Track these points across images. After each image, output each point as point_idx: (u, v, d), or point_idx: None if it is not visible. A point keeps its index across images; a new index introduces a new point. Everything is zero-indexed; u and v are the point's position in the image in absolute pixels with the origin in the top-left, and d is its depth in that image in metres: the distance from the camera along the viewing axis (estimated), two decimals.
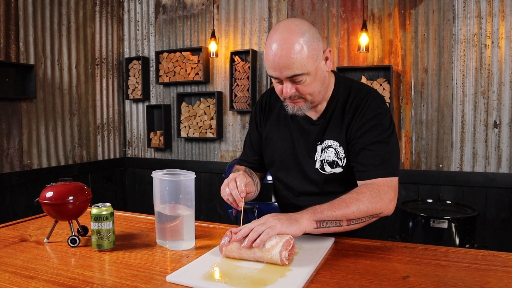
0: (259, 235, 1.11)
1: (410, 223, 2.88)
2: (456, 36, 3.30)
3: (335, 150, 1.39)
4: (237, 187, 1.28)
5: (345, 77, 1.49)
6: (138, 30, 4.60)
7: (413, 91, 3.46)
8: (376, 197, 1.25)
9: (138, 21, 4.59)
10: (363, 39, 3.35)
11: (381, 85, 3.46)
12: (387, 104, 3.40)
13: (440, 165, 3.41)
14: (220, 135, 4.19)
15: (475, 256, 1.19)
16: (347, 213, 1.20)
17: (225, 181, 1.34)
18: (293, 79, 1.27)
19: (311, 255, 1.17)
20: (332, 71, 1.45)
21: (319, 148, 1.42)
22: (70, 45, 3.96)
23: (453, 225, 2.70)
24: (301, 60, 1.23)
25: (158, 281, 1.02)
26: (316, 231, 1.19)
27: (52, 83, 3.77)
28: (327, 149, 1.40)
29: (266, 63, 1.30)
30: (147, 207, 4.58)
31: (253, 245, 1.10)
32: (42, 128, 3.69)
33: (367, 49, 3.38)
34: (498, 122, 3.21)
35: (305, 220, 1.17)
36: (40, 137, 3.68)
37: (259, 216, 2.77)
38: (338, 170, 1.39)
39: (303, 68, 1.25)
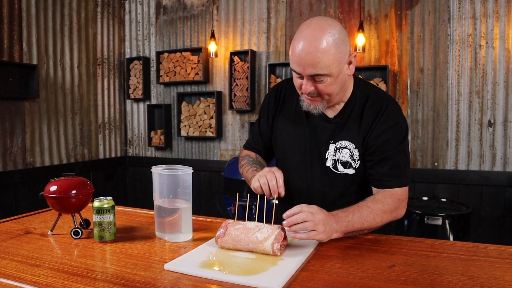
0: (302, 224, 1.18)
1: (405, 220, 2.93)
2: (451, 36, 3.36)
3: (350, 152, 1.41)
4: (276, 179, 1.33)
5: (364, 80, 1.51)
6: (139, 30, 4.66)
7: (409, 90, 3.52)
8: (397, 207, 1.35)
9: (139, 22, 4.65)
10: (360, 39, 3.40)
11: (377, 84, 3.51)
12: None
13: (436, 164, 3.46)
14: (219, 134, 4.25)
15: (459, 247, 1.25)
16: (373, 224, 1.30)
17: (261, 172, 1.38)
18: (314, 77, 1.27)
19: (303, 246, 1.23)
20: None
21: (331, 146, 1.43)
22: (72, 46, 4.02)
23: (447, 222, 2.76)
24: (326, 61, 1.23)
25: (156, 269, 1.07)
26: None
27: (54, 82, 3.83)
28: (341, 149, 1.41)
29: (291, 57, 1.29)
30: (148, 205, 4.59)
31: (290, 230, 1.19)
32: (45, 127, 3.75)
33: (363, 49, 3.43)
34: (492, 121, 3.27)
35: (338, 231, 1.25)
36: (43, 135, 3.74)
37: (257, 213, 2.82)
38: (351, 171, 1.42)
39: (326, 69, 1.25)
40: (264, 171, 1.37)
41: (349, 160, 1.41)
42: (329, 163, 1.43)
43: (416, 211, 2.86)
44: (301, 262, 1.10)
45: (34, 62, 3.61)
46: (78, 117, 4.12)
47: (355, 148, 1.40)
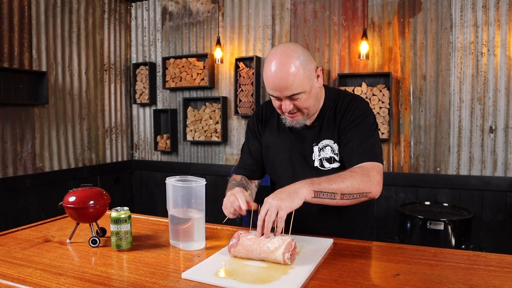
0: (267, 219, 1.25)
1: (408, 225, 2.99)
2: (453, 44, 3.41)
3: (331, 148, 1.55)
4: (238, 199, 1.39)
5: (334, 88, 1.68)
6: (145, 36, 4.73)
7: (411, 97, 3.57)
8: (366, 177, 1.38)
9: (145, 28, 4.72)
10: (364, 46, 3.46)
11: (381, 91, 3.57)
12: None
13: (438, 169, 3.52)
14: (225, 138, 4.32)
15: (460, 256, 1.30)
16: (342, 187, 1.33)
17: (225, 199, 1.46)
18: (291, 97, 1.43)
19: (312, 255, 1.29)
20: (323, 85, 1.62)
21: (315, 148, 1.57)
22: (80, 52, 4.09)
23: (449, 227, 2.81)
24: (298, 81, 1.39)
25: (174, 278, 1.14)
26: (313, 200, 1.31)
27: (63, 88, 3.91)
28: (324, 148, 1.56)
29: (266, 84, 1.44)
30: (154, 209, 4.71)
31: (272, 235, 1.25)
32: (54, 132, 3.82)
33: (367, 56, 3.49)
34: (493, 127, 3.32)
35: (305, 189, 1.29)
36: (52, 141, 3.81)
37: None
38: (336, 165, 1.54)
39: (300, 88, 1.40)
40: (226, 195, 1.46)
41: (332, 155, 1.54)
42: (316, 163, 1.57)
43: (419, 216, 2.91)
44: (310, 270, 1.16)
45: (44, 69, 3.69)
46: (85, 122, 4.19)
47: (334, 143, 1.55)
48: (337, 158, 1.54)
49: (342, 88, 3.67)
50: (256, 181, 1.80)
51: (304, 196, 1.28)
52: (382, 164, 1.49)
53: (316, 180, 1.32)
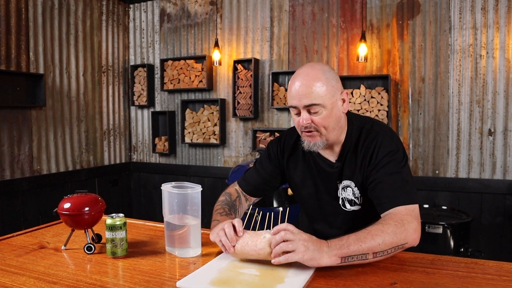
0: (284, 244, 1.18)
1: None
2: (452, 46, 3.40)
3: (352, 190, 1.51)
4: (227, 234, 1.29)
5: (357, 116, 1.57)
6: (143, 38, 4.72)
7: (410, 99, 3.57)
8: (401, 227, 1.25)
9: (143, 29, 4.71)
10: (362, 49, 3.45)
11: (379, 93, 3.56)
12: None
13: (437, 172, 3.51)
14: (223, 141, 4.31)
15: (458, 263, 1.29)
16: (373, 245, 1.20)
17: (215, 228, 1.37)
18: (309, 108, 1.38)
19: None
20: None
21: (340, 186, 1.53)
22: (78, 54, 4.08)
23: (447, 230, 2.80)
24: (319, 91, 1.36)
25: (168, 287, 1.12)
26: (340, 265, 1.21)
27: (60, 91, 3.89)
28: (346, 188, 1.52)
29: (288, 94, 1.43)
30: (152, 211, 4.69)
31: (273, 262, 1.19)
32: (51, 135, 3.81)
33: (366, 59, 3.48)
34: (492, 130, 3.31)
35: (332, 256, 1.18)
36: (49, 143, 3.80)
37: (261, 221, 2.88)
38: (357, 207, 1.52)
39: (319, 99, 1.37)
40: (218, 227, 1.36)
41: (353, 198, 1.51)
42: (339, 201, 1.55)
43: None
44: (306, 279, 1.15)
45: (41, 71, 3.67)
46: (83, 124, 4.18)
47: (355, 186, 1.50)
48: (357, 201, 1.50)
49: None
50: (253, 199, 1.75)
51: (326, 264, 1.18)
52: (417, 202, 1.37)
53: (345, 243, 1.19)
